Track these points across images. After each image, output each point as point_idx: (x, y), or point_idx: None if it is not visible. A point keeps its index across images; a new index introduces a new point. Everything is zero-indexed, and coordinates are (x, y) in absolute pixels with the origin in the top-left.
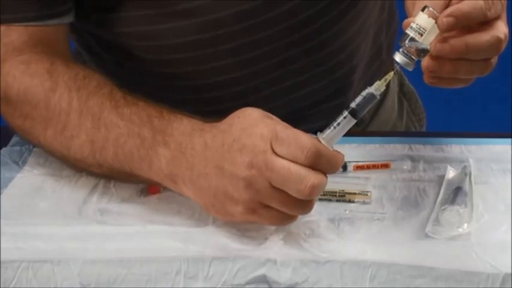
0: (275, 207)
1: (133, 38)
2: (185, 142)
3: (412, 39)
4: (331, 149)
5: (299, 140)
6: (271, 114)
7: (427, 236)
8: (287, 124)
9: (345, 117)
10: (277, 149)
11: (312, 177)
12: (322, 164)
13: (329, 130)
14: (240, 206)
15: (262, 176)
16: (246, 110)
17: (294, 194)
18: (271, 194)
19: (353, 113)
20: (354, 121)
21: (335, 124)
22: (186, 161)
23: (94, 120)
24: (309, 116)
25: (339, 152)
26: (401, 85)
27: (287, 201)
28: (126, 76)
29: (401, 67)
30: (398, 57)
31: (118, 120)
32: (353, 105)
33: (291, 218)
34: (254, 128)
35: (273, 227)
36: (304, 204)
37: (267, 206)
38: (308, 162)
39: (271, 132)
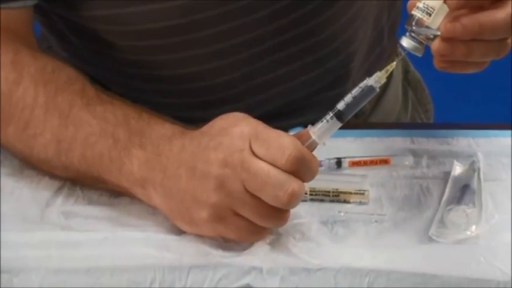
0: (245, 216)
1: (103, 22)
2: (163, 144)
3: (420, 21)
4: (318, 143)
5: (281, 141)
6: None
7: (430, 239)
8: (272, 128)
9: (338, 111)
10: (256, 149)
11: (292, 184)
12: (303, 170)
13: (321, 124)
14: (206, 211)
15: (236, 177)
16: (231, 113)
17: (270, 201)
18: (243, 199)
19: (345, 109)
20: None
21: (328, 118)
22: (160, 164)
23: (62, 117)
24: (304, 107)
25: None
26: (405, 72)
27: (260, 209)
28: (99, 63)
29: (408, 53)
30: (405, 42)
31: (90, 118)
32: (349, 98)
33: (260, 233)
34: (234, 127)
35: None
36: (278, 215)
37: (236, 214)
38: (288, 167)
39: (252, 130)
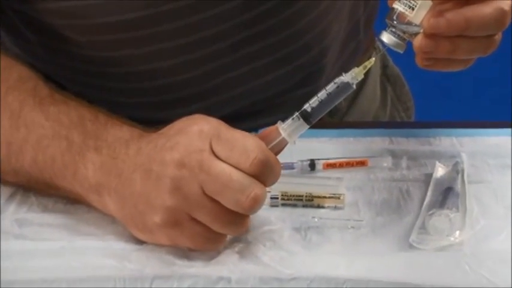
0: (202, 221)
1: (58, 16)
2: (119, 148)
3: (401, 15)
4: (288, 141)
5: (246, 143)
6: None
7: (411, 246)
8: (235, 129)
9: (311, 108)
10: (218, 150)
11: (255, 188)
12: (266, 174)
13: (292, 120)
14: (159, 215)
15: (194, 179)
16: (192, 115)
17: (230, 205)
18: (200, 202)
19: (318, 106)
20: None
21: (299, 114)
22: (116, 168)
23: (12, 118)
24: (273, 107)
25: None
26: (384, 67)
27: (219, 214)
28: (55, 60)
29: (388, 49)
30: (386, 38)
31: (42, 120)
32: (322, 95)
33: (217, 240)
34: (193, 125)
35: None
36: (238, 221)
37: (192, 219)
38: (252, 170)
39: (213, 130)
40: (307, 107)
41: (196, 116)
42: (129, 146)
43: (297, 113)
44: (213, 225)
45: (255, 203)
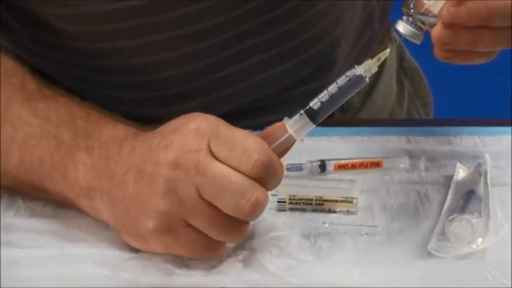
0: (198, 227)
1: (49, 5)
2: (112, 148)
3: (419, 3)
4: (295, 139)
5: (247, 143)
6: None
7: (430, 254)
8: (235, 127)
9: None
10: (217, 150)
11: (256, 192)
12: (268, 177)
13: (299, 116)
14: (152, 220)
15: (190, 181)
16: (190, 113)
17: (229, 210)
18: (196, 207)
19: (328, 101)
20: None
21: (306, 109)
22: (108, 169)
23: None
24: (279, 103)
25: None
26: (401, 60)
27: (216, 220)
28: (45, 53)
29: (404, 39)
30: (401, 27)
31: (30, 117)
32: (333, 89)
33: (214, 248)
34: (190, 123)
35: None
36: (236, 227)
37: (187, 225)
38: (254, 173)
39: (211, 128)
40: (316, 101)
41: (194, 114)
42: (123, 145)
43: (305, 109)
44: (210, 232)
45: (256, 208)
